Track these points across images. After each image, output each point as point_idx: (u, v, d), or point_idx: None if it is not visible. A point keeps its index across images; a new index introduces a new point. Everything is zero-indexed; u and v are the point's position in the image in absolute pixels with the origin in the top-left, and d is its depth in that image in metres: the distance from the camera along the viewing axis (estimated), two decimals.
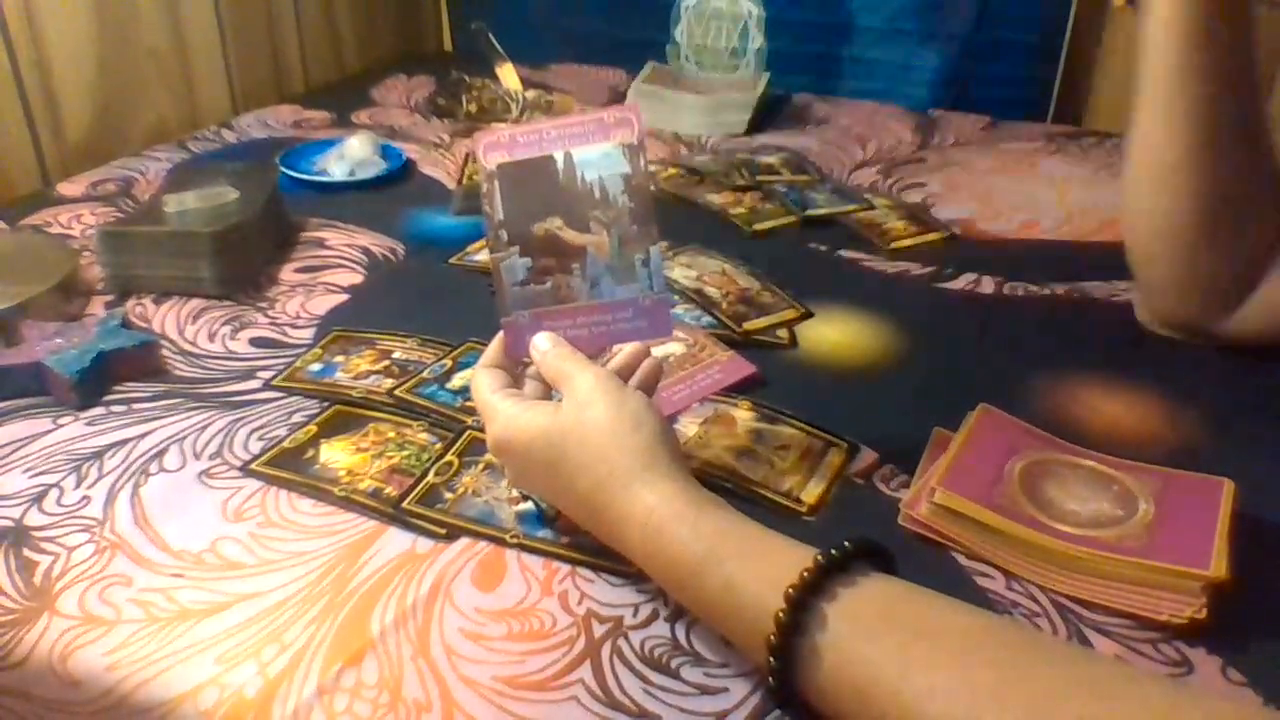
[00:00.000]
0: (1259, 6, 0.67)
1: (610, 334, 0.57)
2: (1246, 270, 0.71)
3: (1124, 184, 0.74)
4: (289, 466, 0.62)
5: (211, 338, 0.77)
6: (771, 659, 0.42)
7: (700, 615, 0.49)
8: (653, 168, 1.11)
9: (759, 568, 0.45)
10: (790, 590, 0.42)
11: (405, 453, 0.63)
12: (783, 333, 0.78)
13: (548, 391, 0.57)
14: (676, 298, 0.81)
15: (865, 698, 0.40)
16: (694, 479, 0.50)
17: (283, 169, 1.06)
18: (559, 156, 0.56)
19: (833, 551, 0.43)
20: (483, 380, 0.56)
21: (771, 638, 0.42)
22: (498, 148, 0.56)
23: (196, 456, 0.63)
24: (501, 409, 0.54)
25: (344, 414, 0.67)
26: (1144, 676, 0.42)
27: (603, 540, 0.52)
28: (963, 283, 0.87)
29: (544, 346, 0.56)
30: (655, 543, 0.48)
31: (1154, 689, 0.39)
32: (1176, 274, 0.73)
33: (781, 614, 0.42)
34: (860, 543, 0.44)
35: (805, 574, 0.42)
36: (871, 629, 0.42)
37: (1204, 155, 0.68)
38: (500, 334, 0.57)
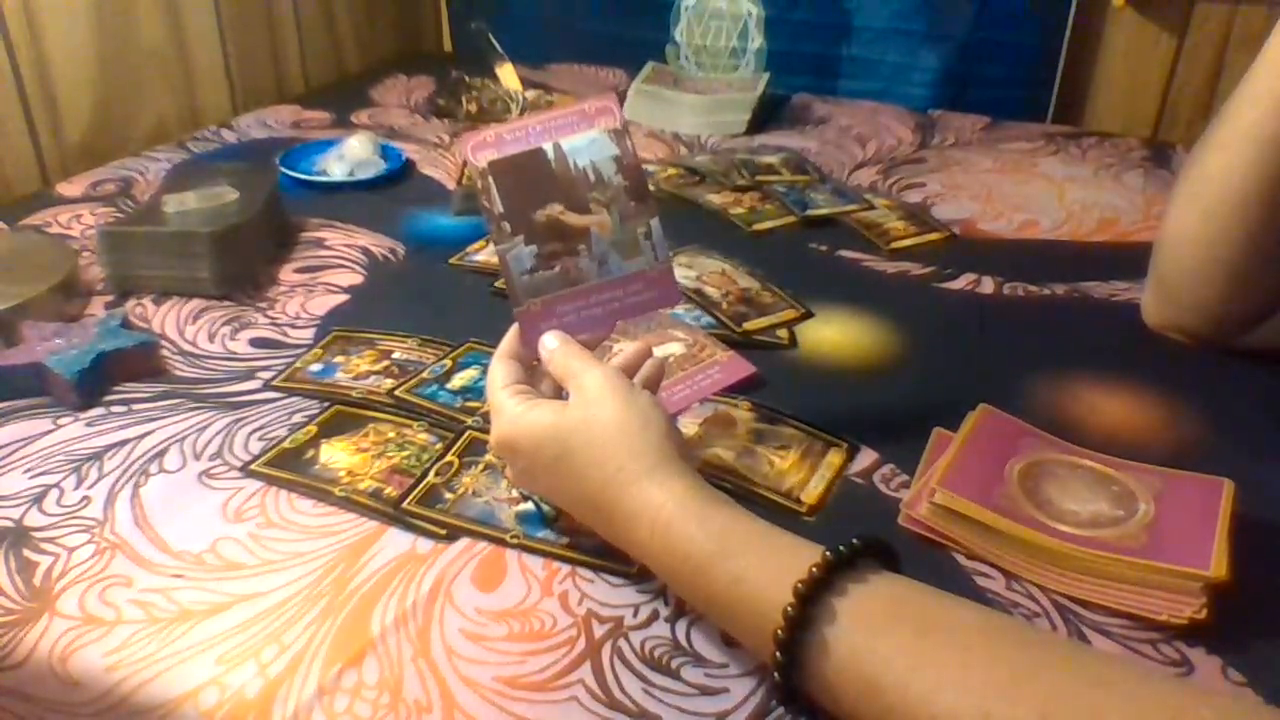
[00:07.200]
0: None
1: (623, 309, 0.58)
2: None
3: (1178, 204, 0.73)
4: (289, 467, 0.62)
5: (211, 338, 0.77)
6: (778, 653, 0.42)
7: (706, 612, 0.49)
8: (652, 168, 1.11)
9: (768, 563, 0.45)
10: (799, 585, 0.42)
11: (405, 453, 0.63)
12: (783, 333, 0.78)
13: (561, 389, 0.57)
14: None
15: (873, 692, 0.40)
16: (701, 477, 0.51)
17: (283, 169, 1.06)
18: (548, 148, 0.57)
19: (841, 548, 0.43)
20: (497, 373, 0.56)
21: (779, 632, 0.42)
22: (485, 147, 0.57)
23: (196, 457, 0.63)
24: (508, 406, 0.54)
25: (344, 414, 0.67)
26: (1154, 675, 0.42)
27: (609, 538, 0.52)
28: (962, 283, 0.87)
29: (551, 345, 0.56)
30: (664, 539, 0.48)
31: (1164, 687, 0.39)
32: (1216, 296, 0.73)
33: (790, 608, 0.42)
34: (869, 540, 0.44)
35: (814, 569, 0.43)
36: (881, 624, 0.42)
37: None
38: (516, 325, 0.58)
